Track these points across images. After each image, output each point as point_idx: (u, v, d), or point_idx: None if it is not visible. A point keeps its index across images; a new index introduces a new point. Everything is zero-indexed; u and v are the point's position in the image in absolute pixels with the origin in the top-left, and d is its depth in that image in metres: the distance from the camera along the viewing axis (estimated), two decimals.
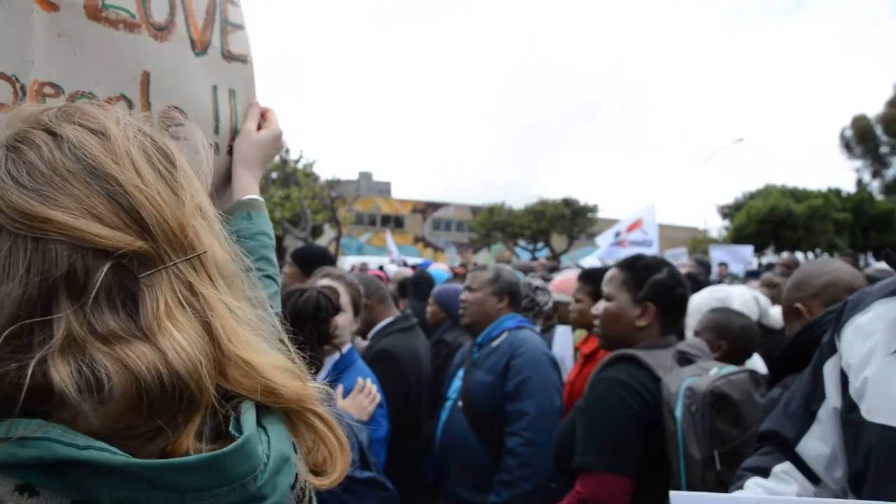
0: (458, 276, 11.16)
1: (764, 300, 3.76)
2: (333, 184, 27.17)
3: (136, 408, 0.63)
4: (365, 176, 53.32)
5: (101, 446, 0.61)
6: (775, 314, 3.74)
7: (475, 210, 47.42)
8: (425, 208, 50.75)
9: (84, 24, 1.20)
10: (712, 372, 2.18)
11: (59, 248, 0.64)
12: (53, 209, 0.65)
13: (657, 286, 2.43)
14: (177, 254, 0.70)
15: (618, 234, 12.15)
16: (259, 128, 1.51)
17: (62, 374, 0.61)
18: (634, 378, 2.22)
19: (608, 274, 2.58)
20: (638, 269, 2.48)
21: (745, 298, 3.62)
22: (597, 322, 2.56)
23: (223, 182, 1.49)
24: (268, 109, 1.54)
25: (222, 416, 0.69)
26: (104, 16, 1.23)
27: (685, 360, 2.36)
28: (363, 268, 15.07)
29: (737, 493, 1.45)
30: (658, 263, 2.50)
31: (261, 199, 1.46)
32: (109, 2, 1.24)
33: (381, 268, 13.56)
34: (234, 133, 1.48)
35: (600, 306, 2.53)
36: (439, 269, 10.14)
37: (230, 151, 1.47)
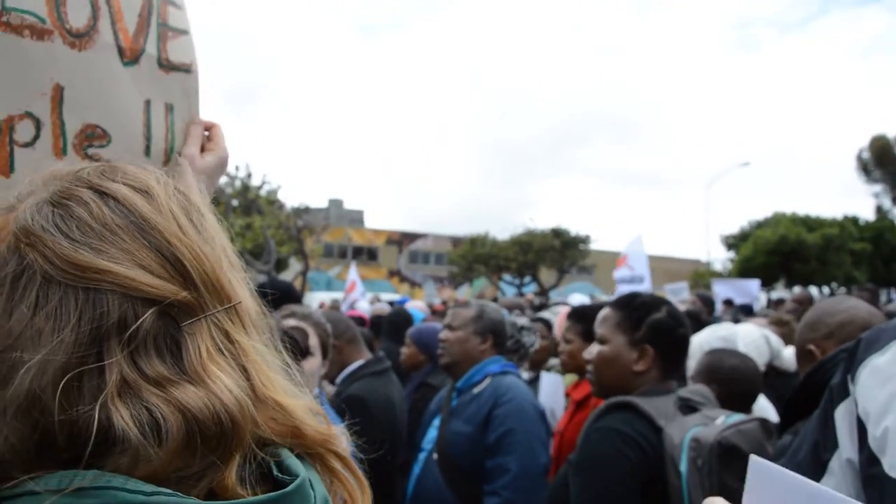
0: (436, 314, 11.17)
1: (776, 340, 3.77)
2: (300, 212, 27.15)
3: (188, 449, 0.70)
4: (335, 204, 53.43)
5: (166, 492, 0.67)
6: (788, 355, 3.74)
7: (456, 241, 47.65)
8: (401, 239, 50.85)
9: None
10: (719, 421, 2.16)
11: (110, 297, 0.73)
12: (106, 260, 0.75)
13: (656, 327, 2.41)
14: (215, 303, 0.79)
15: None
16: (203, 149, 1.46)
17: (125, 416, 0.68)
18: (633, 428, 2.19)
19: (601, 314, 2.56)
20: (634, 309, 2.47)
21: (752, 338, 3.63)
22: (589, 368, 2.53)
23: None
24: (213, 126, 1.50)
25: (261, 459, 0.77)
26: (5, 21, 1.18)
27: (688, 407, 2.34)
28: (334, 305, 14.95)
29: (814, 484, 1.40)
30: (656, 301, 2.49)
31: None
32: (11, 4, 1.18)
33: (351, 306, 13.47)
34: (170, 154, 1.43)
35: (593, 350, 2.51)
36: (415, 307, 10.09)
37: None
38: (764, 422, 2.23)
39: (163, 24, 1.39)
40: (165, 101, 1.40)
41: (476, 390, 3.29)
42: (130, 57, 1.32)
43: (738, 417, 2.20)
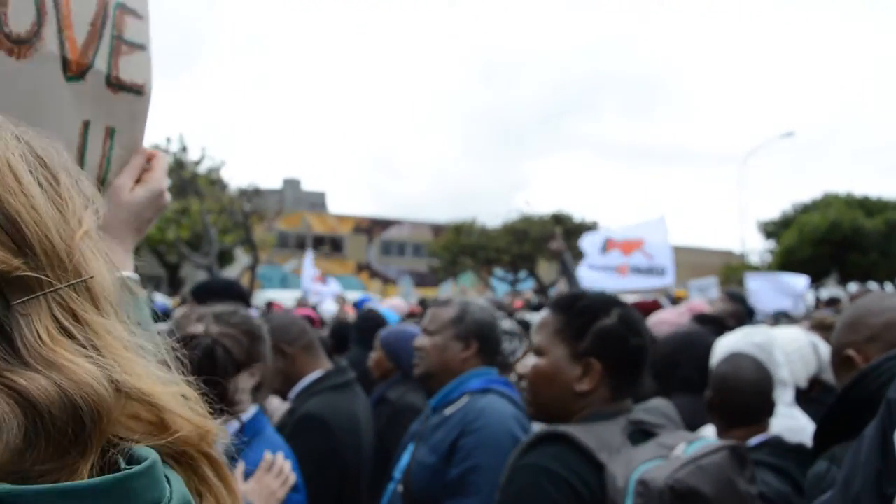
0: (414, 316, 11.17)
1: (825, 349, 3.77)
2: (248, 194, 27.02)
3: (27, 443, 0.69)
4: (291, 184, 53.29)
5: None
6: None
7: (437, 229, 47.65)
8: (371, 227, 50.81)
9: None
10: (678, 451, 2.10)
11: None
12: None
13: (604, 335, 2.36)
14: (59, 278, 0.77)
15: (606, 248, 11.97)
16: (139, 180, 1.53)
17: None
18: (565, 466, 2.11)
19: (540, 319, 2.50)
20: (577, 313, 2.41)
21: (798, 345, 3.63)
22: (523, 385, 2.47)
23: None
24: (155, 155, 1.57)
25: (112, 454, 0.76)
26: None
27: (643, 433, 2.26)
28: (303, 303, 14.77)
29: None
30: (605, 304, 2.43)
31: (136, 277, 1.48)
32: None
33: (313, 307, 13.47)
34: (104, 184, 1.48)
35: (527, 363, 2.45)
36: (392, 306, 10.07)
37: None
38: (735, 449, 2.15)
39: (118, 36, 1.44)
40: (107, 123, 1.46)
41: (448, 411, 3.24)
42: (75, 71, 1.36)
43: (701, 445, 2.13)
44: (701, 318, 5.75)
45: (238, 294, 4.29)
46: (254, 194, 27.70)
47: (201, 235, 22.96)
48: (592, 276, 11.87)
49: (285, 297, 20.02)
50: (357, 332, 6.33)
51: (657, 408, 2.44)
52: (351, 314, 10.99)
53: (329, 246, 48.98)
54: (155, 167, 1.56)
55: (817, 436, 2.28)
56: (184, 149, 25.66)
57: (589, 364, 2.34)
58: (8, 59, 1.27)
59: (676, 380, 4.38)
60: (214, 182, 25.47)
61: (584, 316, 2.40)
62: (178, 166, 25.01)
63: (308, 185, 55.70)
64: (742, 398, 3.07)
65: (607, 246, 11.97)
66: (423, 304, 14.47)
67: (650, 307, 7.41)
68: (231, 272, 27.93)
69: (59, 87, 1.35)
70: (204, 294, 4.29)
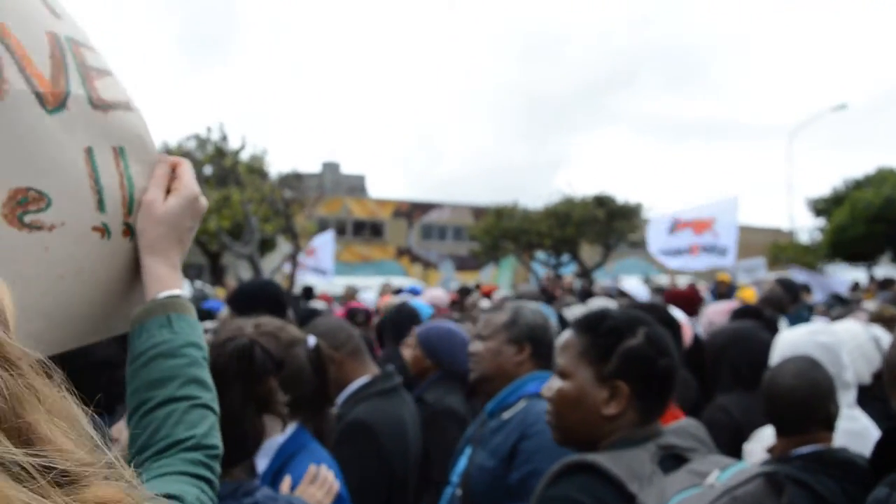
0: (455, 304, 11.09)
1: (887, 341, 3.67)
2: (289, 180, 27.17)
3: None
4: (330, 168, 53.62)
5: None
6: None
7: (477, 212, 47.67)
8: (411, 211, 50.96)
9: None
10: (710, 479, 2.03)
11: None
12: None
13: (631, 357, 2.29)
14: None
15: (675, 229, 12.02)
16: (169, 191, 1.52)
17: None
18: (594, 497, 2.06)
19: (561, 339, 2.45)
20: (602, 333, 2.36)
21: (858, 342, 3.53)
22: (549, 408, 2.42)
23: (128, 276, 1.49)
24: (179, 163, 1.56)
25: None
26: None
27: (674, 457, 2.20)
28: (349, 293, 14.73)
29: None
30: (631, 323, 2.37)
31: (184, 294, 1.48)
32: None
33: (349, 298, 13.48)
34: (131, 204, 1.48)
35: (553, 386, 2.40)
36: (432, 298, 9.95)
37: (129, 231, 1.47)
38: (770, 476, 2.08)
39: (81, 64, 1.43)
40: (113, 144, 1.45)
41: (506, 415, 3.25)
42: (55, 102, 1.36)
43: (735, 472, 2.07)
44: (742, 312, 5.71)
45: (274, 298, 4.22)
46: (293, 179, 27.86)
47: (242, 224, 23.15)
48: (665, 259, 11.93)
49: (341, 285, 19.82)
50: (391, 326, 6.20)
51: (686, 429, 2.38)
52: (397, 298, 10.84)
53: (369, 231, 49.26)
54: (181, 174, 1.55)
55: (874, 458, 2.18)
56: (224, 138, 25.86)
57: (616, 387, 2.28)
58: None
59: (728, 377, 4.32)
60: (255, 171, 25.61)
61: (609, 337, 2.34)
62: (219, 155, 25.23)
63: (347, 169, 56.00)
64: (785, 408, 2.98)
65: (676, 227, 12.02)
66: (464, 291, 14.33)
67: (686, 296, 7.26)
68: (272, 260, 28.18)
69: (43, 122, 1.34)
70: (240, 301, 4.23)
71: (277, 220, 25.01)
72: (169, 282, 1.47)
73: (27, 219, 1.33)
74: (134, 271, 1.49)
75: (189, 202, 1.52)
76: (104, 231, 1.43)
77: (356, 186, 53.89)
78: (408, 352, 4.90)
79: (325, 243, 18.59)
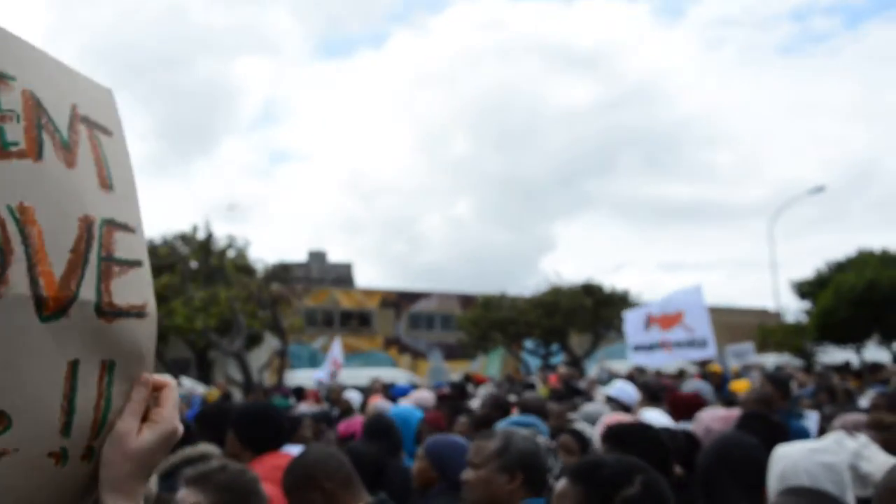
0: (444, 400, 11.02)
1: (878, 460, 3.65)
2: (276, 272, 27.16)
3: None
4: (316, 257, 53.68)
5: None
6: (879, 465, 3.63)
7: (465, 299, 47.66)
8: (399, 301, 50.89)
9: None
10: None
11: None
12: None
13: None
14: None
15: (649, 323, 12.00)
16: (145, 417, 1.34)
17: None
18: None
19: (557, 489, 2.45)
20: (597, 483, 2.36)
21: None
22: None
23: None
24: (164, 385, 1.39)
25: None
26: None
27: None
28: (377, 387, 14.49)
29: None
30: (627, 471, 2.38)
31: None
32: None
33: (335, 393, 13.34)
34: (101, 427, 1.30)
35: None
36: (417, 399, 10.00)
37: (88, 455, 1.28)
38: None
39: (106, 257, 1.30)
40: (104, 357, 1.29)
41: None
42: (54, 308, 1.21)
43: None
44: (748, 419, 5.57)
45: (275, 424, 4.28)
46: (281, 271, 27.83)
47: (230, 320, 23.03)
48: (640, 357, 11.89)
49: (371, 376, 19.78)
50: (368, 432, 6.36)
51: None
52: (381, 404, 10.74)
53: (357, 321, 49.05)
54: (164, 401, 1.36)
55: None
56: (209, 236, 25.99)
57: None
58: None
59: (721, 498, 4.19)
60: (241, 269, 25.64)
61: (604, 486, 2.33)
62: (206, 254, 25.31)
63: (334, 256, 55.99)
64: None
65: (649, 321, 12.02)
66: (457, 386, 14.28)
67: (689, 402, 7.24)
68: (260, 355, 27.94)
69: (31, 333, 1.19)
70: (245, 430, 4.37)
71: (264, 316, 24.92)
72: None
73: None
74: (85, 498, 1.31)
75: (166, 438, 1.34)
76: (60, 456, 1.25)
77: (343, 275, 53.87)
78: (416, 464, 4.88)
79: (338, 353, 18.98)
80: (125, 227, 1.35)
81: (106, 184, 1.35)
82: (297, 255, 51.46)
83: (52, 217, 1.23)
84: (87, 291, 1.24)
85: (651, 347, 11.80)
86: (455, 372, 21.98)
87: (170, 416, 1.35)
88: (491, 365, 27.81)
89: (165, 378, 1.39)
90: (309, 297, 39.16)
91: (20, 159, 1.21)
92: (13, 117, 1.22)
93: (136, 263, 1.36)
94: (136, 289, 1.34)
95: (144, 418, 1.33)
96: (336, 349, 19.12)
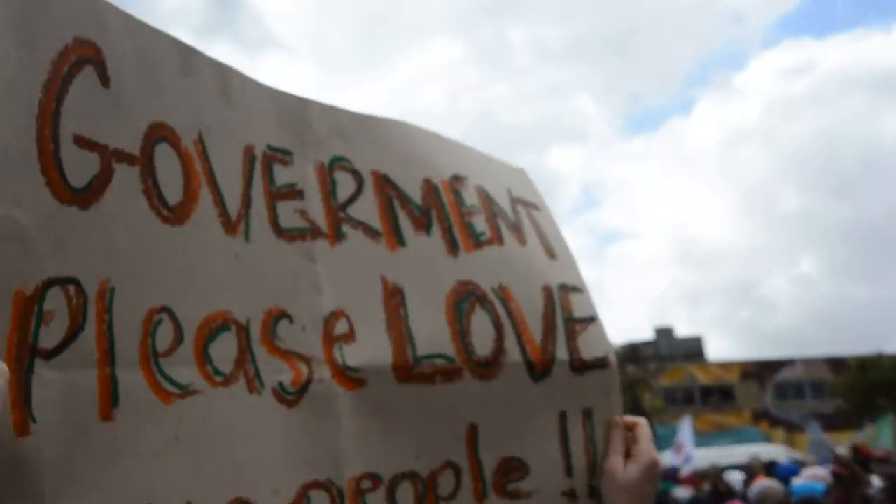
0: (840, 479, 10.12)
1: None
2: (627, 354, 27.00)
3: None
4: (664, 334, 52.60)
5: None
6: None
7: (835, 364, 43.71)
8: (759, 371, 48.05)
9: (395, 391, 1.28)
10: None
11: None
12: None
13: None
14: None
15: None
16: (628, 454, 1.52)
17: None
18: None
19: None
20: None
21: None
22: None
23: None
24: (636, 424, 1.56)
25: None
26: (418, 372, 1.30)
27: None
28: (715, 475, 13.99)
29: None
30: None
31: None
32: (422, 352, 1.31)
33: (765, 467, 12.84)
34: (594, 468, 1.50)
35: None
36: (812, 476, 9.36)
37: (592, 494, 1.49)
38: None
39: (568, 318, 1.51)
40: (583, 406, 1.50)
41: None
42: (541, 370, 1.44)
43: None
44: None
45: None
46: (631, 351, 27.58)
47: None
48: None
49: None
50: None
51: None
52: (768, 485, 10.18)
53: (718, 396, 46.95)
54: (640, 436, 1.53)
55: None
56: None
57: None
58: (481, 384, 1.35)
59: None
60: None
61: None
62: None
63: (681, 331, 54.56)
64: None
65: None
66: (845, 465, 13.03)
67: None
68: None
69: (529, 392, 1.41)
70: None
71: (624, 399, 24.80)
72: None
73: (509, 488, 1.38)
74: None
75: (648, 469, 1.49)
76: (571, 495, 1.46)
77: (693, 349, 52.16)
78: None
79: (687, 436, 18.09)
80: (575, 289, 1.57)
81: (551, 253, 1.58)
82: (643, 334, 50.86)
83: (523, 291, 1.46)
84: (562, 352, 1.48)
85: None
86: (840, 445, 20.00)
87: (648, 450, 1.53)
88: (882, 434, 24.88)
89: (636, 418, 1.60)
90: (664, 376, 38.38)
91: (490, 246, 1.47)
92: (474, 212, 1.48)
93: (591, 320, 1.56)
94: (596, 343, 1.55)
95: (627, 455, 1.52)
96: (685, 431, 18.11)
